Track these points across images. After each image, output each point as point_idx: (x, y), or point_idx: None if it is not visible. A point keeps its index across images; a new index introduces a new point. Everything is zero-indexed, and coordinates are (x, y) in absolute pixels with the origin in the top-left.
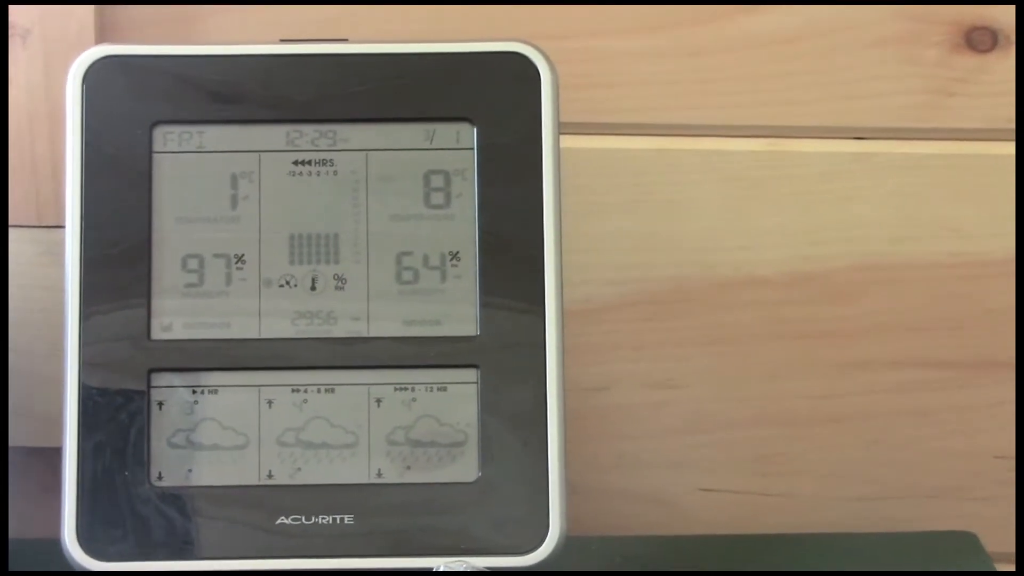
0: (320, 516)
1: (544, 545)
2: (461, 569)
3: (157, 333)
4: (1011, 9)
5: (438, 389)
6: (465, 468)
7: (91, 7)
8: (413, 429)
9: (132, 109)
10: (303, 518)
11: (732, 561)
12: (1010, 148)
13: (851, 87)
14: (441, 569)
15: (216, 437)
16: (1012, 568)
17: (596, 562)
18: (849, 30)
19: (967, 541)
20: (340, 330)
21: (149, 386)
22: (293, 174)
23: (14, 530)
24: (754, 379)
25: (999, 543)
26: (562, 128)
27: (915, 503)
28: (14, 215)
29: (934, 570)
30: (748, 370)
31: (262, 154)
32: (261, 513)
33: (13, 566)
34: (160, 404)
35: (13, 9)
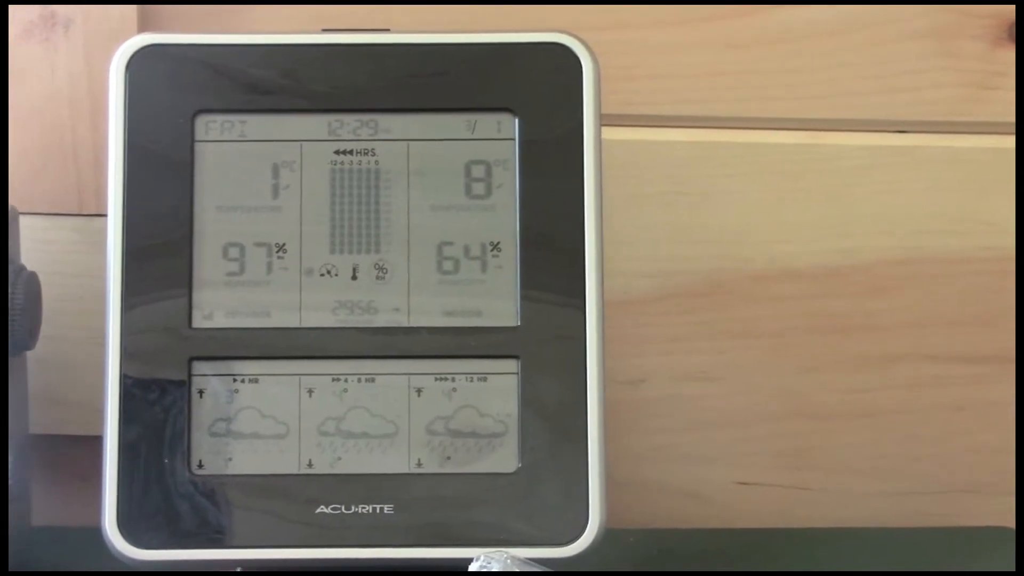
0: (360, 506)
1: (583, 537)
2: (500, 559)
3: (198, 322)
4: None
5: (478, 379)
6: (505, 459)
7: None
8: (453, 419)
9: (174, 98)
10: (343, 507)
11: (767, 555)
12: None
13: (891, 80)
14: (480, 559)
15: (256, 426)
16: None
17: (632, 554)
18: (889, 23)
19: (1004, 536)
20: (381, 320)
21: (190, 375)
22: (335, 164)
23: (51, 518)
24: (790, 373)
25: None
26: (601, 120)
27: (951, 498)
28: (54, 203)
29: (964, 570)
30: (784, 364)
31: (304, 143)
32: (300, 502)
33: (52, 553)
34: (201, 392)
35: None
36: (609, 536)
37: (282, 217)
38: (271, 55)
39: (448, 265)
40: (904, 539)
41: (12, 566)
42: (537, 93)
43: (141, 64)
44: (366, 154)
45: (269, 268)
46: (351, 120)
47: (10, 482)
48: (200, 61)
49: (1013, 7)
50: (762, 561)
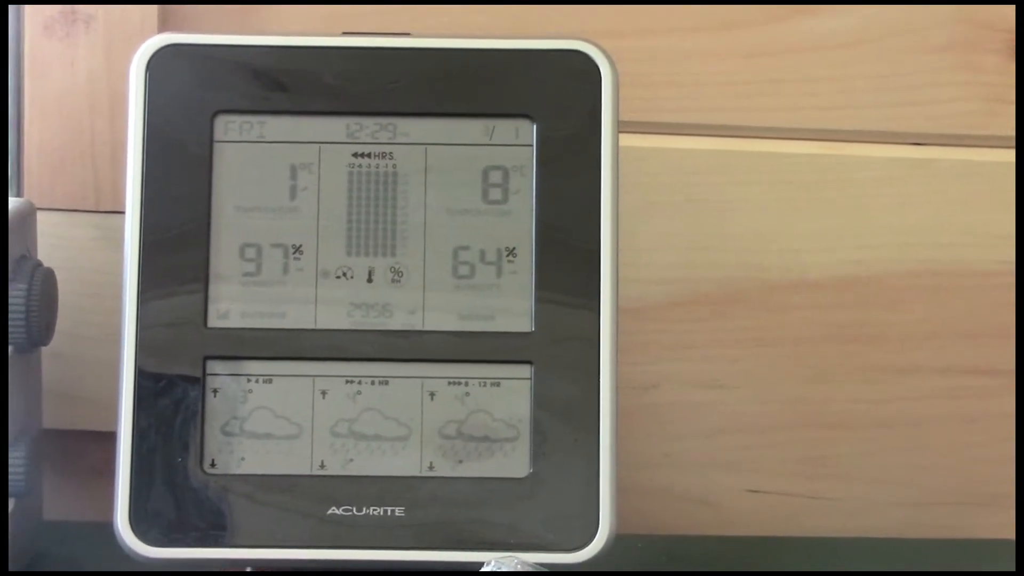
0: (371, 508)
1: (594, 543)
2: (511, 565)
3: (213, 321)
4: None
5: (491, 384)
6: (517, 464)
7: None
8: (466, 423)
9: (194, 97)
10: (354, 509)
11: (777, 563)
12: None
13: (909, 92)
14: (492, 564)
15: (269, 426)
16: None
17: (642, 561)
18: (908, 35)
19: (1011, 549)
20: (395, 323)
21: (204, 373)
22: (352, 166)
23: (65, 512)
24: (803, 382)
25: None
26: (619, 127)
27: (963, 510)
28: (72, 200)
29: (963, 571)
30: (797, 373)
31: (322, 145)
32: (312, 503)
33: (64, 548)
34: (215, 391)
35: None
36: (618, 542)
37: (299, 218)
38: (291, 57)
39: (463, 269)
40: (913, 550)
41: (23, 560)
42: (555, 100)
43: (161, 63)
44: (384, 157)
45: (285, 269)
46: (370, 123)
47: (23, 477)
48: (220, 61)
49: None
50: (770, 569)
